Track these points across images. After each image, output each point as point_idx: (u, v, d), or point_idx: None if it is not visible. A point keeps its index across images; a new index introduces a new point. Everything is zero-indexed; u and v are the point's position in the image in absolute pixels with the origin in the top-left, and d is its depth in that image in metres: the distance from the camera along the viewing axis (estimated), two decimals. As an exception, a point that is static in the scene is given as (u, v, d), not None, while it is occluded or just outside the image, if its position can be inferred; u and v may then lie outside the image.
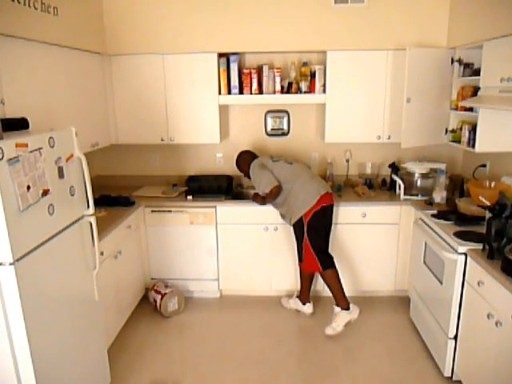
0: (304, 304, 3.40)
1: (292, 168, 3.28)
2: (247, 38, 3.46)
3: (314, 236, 3.13)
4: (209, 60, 3.49)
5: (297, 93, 3.61)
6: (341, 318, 3.13)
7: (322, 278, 3.24)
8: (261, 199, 3.37)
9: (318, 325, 3.30)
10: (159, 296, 3.39)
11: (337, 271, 3.19)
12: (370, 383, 2.70)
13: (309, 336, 3.20)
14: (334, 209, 3.41)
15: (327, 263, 3.17)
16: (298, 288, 3.47)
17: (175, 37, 3.47)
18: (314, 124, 3.95)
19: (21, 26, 2.35)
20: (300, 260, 3.26)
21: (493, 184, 2.98)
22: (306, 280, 3.39)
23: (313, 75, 3.57)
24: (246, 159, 3.48)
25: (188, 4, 3.41)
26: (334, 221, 3.43)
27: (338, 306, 3.17)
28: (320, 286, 3.63)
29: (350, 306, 3.17)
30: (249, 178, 3.44)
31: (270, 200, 3.29)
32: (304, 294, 3.42)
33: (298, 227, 3.17)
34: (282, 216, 3.35)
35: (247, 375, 2.78)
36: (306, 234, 3.12)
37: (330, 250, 3.28)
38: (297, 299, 3.47)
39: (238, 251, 3.59)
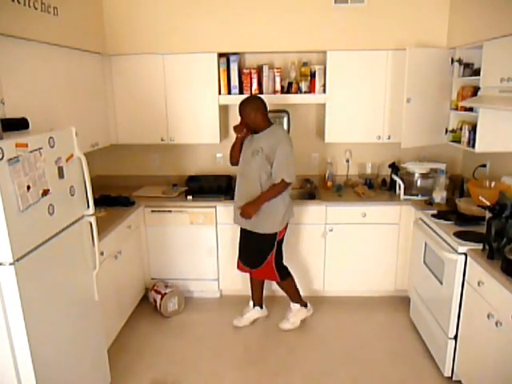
0: (261, 307, 3.34)
1: None
2: (247, 38, 3.46)
3: (278, 251, 3.12)
4: (209, 60, 3.49)
5: (297, 93, 3.61)
6: (300, 314, 3.26)
7: (279, 285, 3.27)
8: (239, 132, 2.81)
9: (318, 325, 3.31)
10: (159, 296, 3.39)
11: (293, 279, 3.24)
12: (369, 383, 2.71)
13: (309, 336, 3.20)
14: (335, 209, 3.47)
15: (285, 274, 3.21)
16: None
17: (175, 37, 3.46)
18: (314, 124, 3.95)
19: (21, 26, 2.35)
20: (252, 267, 3.10)
21: (493, 184, 2.97)
22: (259, 286, 3.33)
23: (313, 75, 3.57)
24: (260, 107, 2.82)
25: (188, 4, 3.41)
26: (334, 221, 3.49)
27: (296, 303, 3.26)
28: (320, 286, 3.63)
29: (308, 304, 3.31)
30: (251, 131, 2.92)
31: (278, 193, 2.83)
32: (258, 299, 3.33)
33: (266, 239, 2.98)
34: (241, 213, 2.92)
35: (247, 375, 2.78)
36: (274, 249, 3.04)
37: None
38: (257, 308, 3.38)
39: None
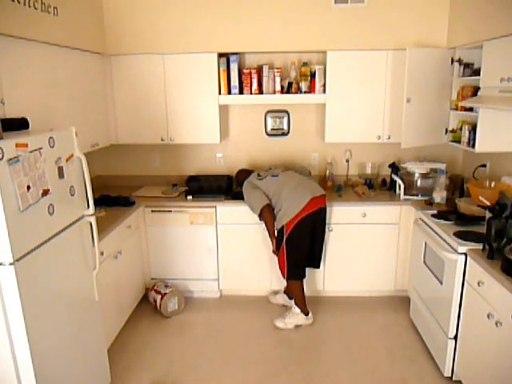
0: (307, 315, 3.31)
1: (278, 181, 3.25)
2: (247, 38, 3.46)
3: (291, 247, 3.13)
4: (209, 60, 3.49)
5: (297, 93, 3.61)
6: (296, 318, 3.26)
7: (287, 283, 3.34)
8: (275, 245, 3.23)
9: (318, 325, 3.31)
10: (159, 296, 3.39)
11: (302, 284, 3.26)
12: (369, 383, 2.71)
13: (309, 336, 3.20)
14: (335, 209, 3.45)
15: (295, 276, 3.22)
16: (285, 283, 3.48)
17: (175, 37, 3.47)
18: (314, 124, 3.95)
19: (21, 26, 2.35)
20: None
21: (493, 184, 2.98)
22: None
23: (313, 75, 3.57)
24: (242, 177, 3.55)
25: (188, 4, 3.41)
26: (334, 221, 3.46)
27: (298, 307, 3.25)
28: (320, 285, 3.64)
29: (309, 314, 3.29)
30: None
31: (268, 221, 3.21)
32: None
33: (278, 233, 3.18)
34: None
35: (247, 375, 2.78)
36: (283, 242, 3.12)
37: (322, 254, 3.33)
38: (284, 294, 3.52)
39: (238, 251, 3.59)
